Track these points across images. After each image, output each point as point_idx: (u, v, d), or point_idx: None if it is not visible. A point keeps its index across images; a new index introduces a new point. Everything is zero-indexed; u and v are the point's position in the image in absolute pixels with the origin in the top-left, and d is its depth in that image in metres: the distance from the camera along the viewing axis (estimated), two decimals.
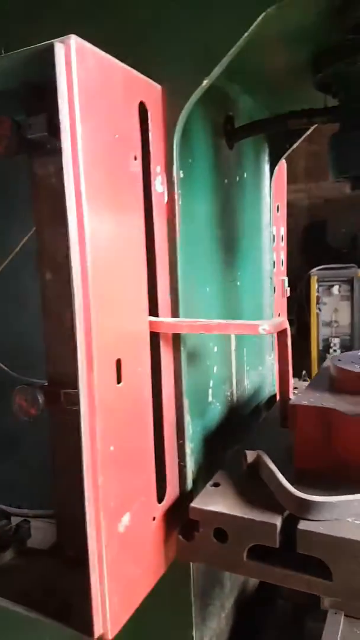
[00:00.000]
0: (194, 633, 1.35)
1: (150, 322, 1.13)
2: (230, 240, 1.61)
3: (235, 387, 1.66)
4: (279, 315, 2.20)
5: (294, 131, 1.81)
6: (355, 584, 1.00)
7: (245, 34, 1.05)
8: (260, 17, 1.04)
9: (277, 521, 1.06)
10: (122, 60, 1.04)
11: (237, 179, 1.65)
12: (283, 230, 2.25)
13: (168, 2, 1.11)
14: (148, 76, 1.12)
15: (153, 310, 1.16)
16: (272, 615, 1.66)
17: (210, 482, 1.24)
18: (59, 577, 1.15)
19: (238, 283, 1.68)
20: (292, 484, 1.11)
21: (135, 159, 1.05)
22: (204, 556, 1.16)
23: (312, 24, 1.15)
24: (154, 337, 1.16)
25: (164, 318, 1.17)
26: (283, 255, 2.26)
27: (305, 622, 1.55)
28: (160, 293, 1.17)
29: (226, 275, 1.59)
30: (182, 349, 1.23)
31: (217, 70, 1.10)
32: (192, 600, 1.33)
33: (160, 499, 1.19)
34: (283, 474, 1.15)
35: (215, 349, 1.50)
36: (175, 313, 1.22)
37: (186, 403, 1.26)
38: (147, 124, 1.10)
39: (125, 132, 1.01)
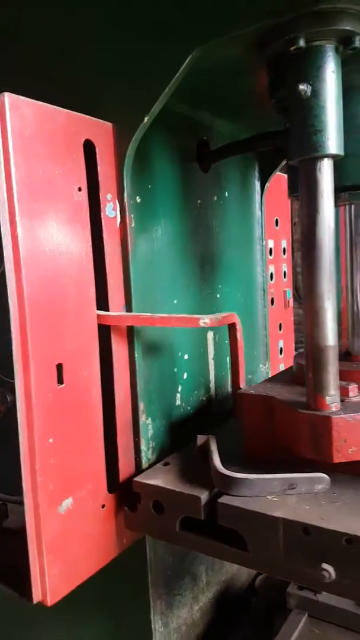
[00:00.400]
0: (152, 617, 1.46)
1: (99, 316, 1.26)
2: (207, 255, 1.73)
3: (214, 392, 1.77)
4: (279, 326, 2.27)
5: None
6: (266, 554, 1.08)
7: (177, 74, 1.19)
8: (187, 59, 1.17)
9: (203, 495, 1.17)
10: (76, 105, 1.21)
11: (215, 198, 1.76)
12: (285, 243, 2.33)
13: (109, 53, 1.27)
14: (100, 116, 1.28)
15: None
16: (248, 612, 1.74)
17: (162, 462, 1.38)
18: (21, 553, 1.32)
19: (218, 295, 1.79)
20: (239, 467, 1.20)
21: (80, 190, 1.21)
22: (144, 526, 1.29)
23: (242, 58, 1.25)
24: (107, 343, 1.31)
25: (112, 312, 1.30)
26: (286, 267, 2.34)
27: (274, 619, 1.62)
28: (113, 306, 1.32)
29: (203, 288, 1.71)
30: (137, 356, 1.37)
31: (156, 107, 1.24)
32: (150, 585, 1.45)
33: (112, 489, 1.34)
34: (234, 459, 1.25)
35: (186, 357, 1.62)
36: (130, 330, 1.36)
37: (142, 405, 1.40)
38: (95, 159, 1.26)
39: (67, 168, 1.18)
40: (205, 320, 1.29)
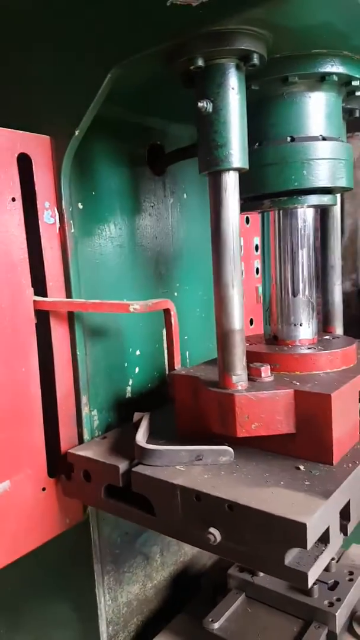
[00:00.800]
0: (96, 590, 1.59)
1: (35, 302, 1.37)
2: (164, 256, 1.82)
3: None
4: (250, 321, 2.34)
5: None
6: (168, 518, 1.19)
7: (100, 91, 1.28)
8: (106, 79, 1.26)
9: (122, 465, 1.28)
10: (17, 120, 1.33)
11: (172, 200, 1.85)
12: (257, 240, 2.38)
13: (42, 71, 1.37)
14: (39, 131, 1.38)
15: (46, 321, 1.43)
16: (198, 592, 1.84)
17: (101, 436, 1.51)
18: None
19: (175, 294, 1.88)
20: (167, 442, 1.31)
21: (14, 200, 1.33)
22: (77, 493, 1.41)
23: (164, 73, 1.32)
24: (47, 336, 1.43)
25: (48, 298, 1.41)
26: (258, 264, 2.39)
27: (216, 599, 1.71)
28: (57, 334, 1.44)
29: (158, 287, 1.81)
30: (79, 349, 1.48)
31: (85, 121, 1.34)
32: (94, 561, 1.57)
33: (54, 474, 1.46)
34: (167, 435, 1.35)
35: (138, 352, 1.72)
36: (71, 324, 1.48)
37: (84, 398, 1.51)
38: (32, 170, 1.37)
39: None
40: (135, 305, 1.39)
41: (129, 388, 1.71)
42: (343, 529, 1.13)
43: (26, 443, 1.39)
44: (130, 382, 1.71)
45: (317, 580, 1.61)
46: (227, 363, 1.24)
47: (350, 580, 1.62)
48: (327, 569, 1.67)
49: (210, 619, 1.55)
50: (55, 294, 1.44)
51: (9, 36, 1.42)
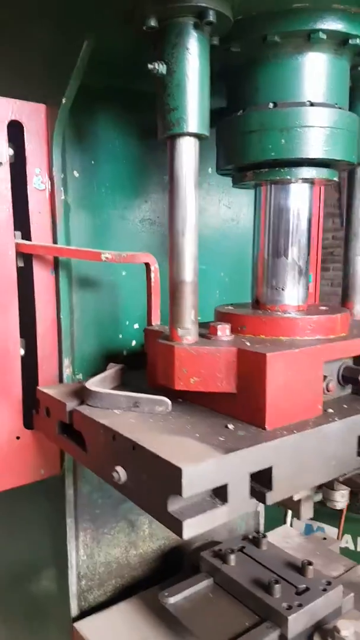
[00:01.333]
0: (67, 542, 1.66)
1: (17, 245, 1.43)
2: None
3: None
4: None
5: None
6: (95, 456, 1.22)
7: (79, 60, 1.29)
8: (83, 47, 1.26)
9: (70, 403, 1.31)
10: (17, 89, 1.40)
11: None
12: None
13: (33, 42, 1.42)
14: (34, 99, 1.44)
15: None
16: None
17: (77, 381, 1.56)
18: None
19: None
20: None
21: (0, 164, 1.40)
22: (42, 428, 1.48)
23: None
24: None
25: (26, 241, 1.46)
26: None
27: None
28: (39, 271, 1.50)
29: (165, 262, 1.78)
30: (64, 304, 1.53)
31: (71, 90, 1.36)
32: (67, 515, 1.65)
33: (31, 426, 1.55)
34: (140, 388, 1.36)
35: (136, 326, 1.73)
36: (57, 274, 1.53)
37: (67, 361, 1.57)
38: (23, 137, 1.43)
39: None
40: (107, 255, 1.42)
41: (123, 348, 1.72)
42: (258, 495, 1.05)
43: (2, 393, 1.49)
44: (125, 353, 1.73)
45: (286, 581, 1.53)
46: (175, 315, 1.21)
47: (324, 590, 1.50)
48: (302, 573, 1.56)
49: (166, 594, 1.54)
50: (43, 260, 1.50)
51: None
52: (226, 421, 1.16)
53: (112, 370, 1.45)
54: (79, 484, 1.67)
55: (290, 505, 1.42)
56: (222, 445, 1.03)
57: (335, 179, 1.34)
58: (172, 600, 1.53)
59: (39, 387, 1.48)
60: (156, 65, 1.11)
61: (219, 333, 1.23)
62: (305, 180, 1.32)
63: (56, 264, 1.52)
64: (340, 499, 1.39)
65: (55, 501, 1.68)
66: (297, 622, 1.41)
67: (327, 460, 1.14)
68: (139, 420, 1.19)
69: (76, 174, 1.54)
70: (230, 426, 1.13)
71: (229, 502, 0.99)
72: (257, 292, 1.43)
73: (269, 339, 1.25)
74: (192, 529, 0.96)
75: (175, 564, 1.93)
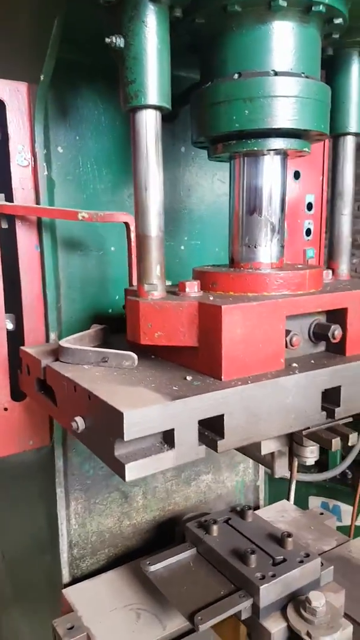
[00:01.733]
0: (57, 512, 1.73)
1: None
2: (171, 208, 1.80)
3: None
4: None
5: None
6: (63, 408, 1.26)
7: (52, 38, 1.32)
8: (55, 23, 1.29)
9: (44, 360, 1.35)
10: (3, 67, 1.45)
11: (183, 149, 1.81)
12: (312, 198, 2.20)
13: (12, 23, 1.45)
14: (19, 78, 1.48)
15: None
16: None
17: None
18: None
19: (182, 247, 1.87)
20: None
21: None
22: (25, 386, 1.52)
23: None
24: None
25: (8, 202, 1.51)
26: (311, 224, 2.22)
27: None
28: (24, 245, 1.56)
29: None
30: (47, 265, 1.57)
31: (48, 67, 1.40)
32: (57, 484, 1.71)
33: (19, 398, 1.62)
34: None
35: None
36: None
37: (53, 335, 1.62)
38: (5, 115, 1.48)
39: None
40: (83, 214, 1.46)
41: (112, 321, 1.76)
42: (209, 443, 1.07)
43: None
44: (115, 316, 1.75)
45: (264, 552, 1.55)
46: (141, 271, 1.24)
47: (301, 562, 1.51)
48: (281, 545, 1.57)
49: (147, 562, 1.58)
50: (25, 229, 1.55)
51: None
52: (188, 374, 1.18)
53: (91, 330, 1.48)
54: (69, 454, 1.73)
55: (265, 462, 1.44)
56: (173, 393, 1.05)
57: (306, 149, 1.33)
58: (152, 568, 1.57)
59: (22, 347, 1.52)
60: (114, 38, 1.13)
61: (187, 289, 1.25)
62: (276, 152, 1.31)
63: (40, 239, 1.57)
64: (310, 455, 1.39)
65: (47, 471, 1.75)
66: (270, 592, 1.43)
67: (285, 413, 1.15)
68: (104, 373, 1.22)
69: (60, 149, 1.58)
70: (189, 378, 1.15)
71: (175, 448, 1.02)
72: (232, 251, 1.43)
73: (237, 295, 1.26)
74: (135, 471, 0.98)
75: (170, 534, 1.98)
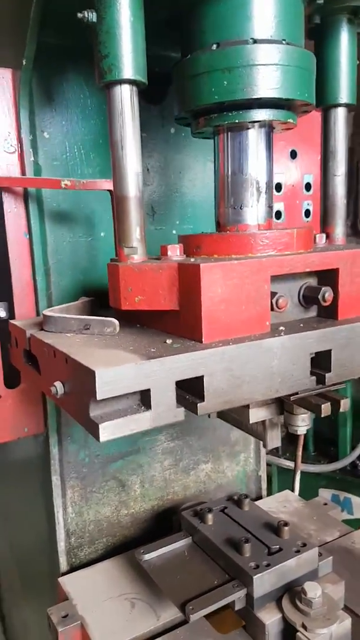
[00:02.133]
0: (54, 499, 1.72)
1: None
2: (160, 192, 1.77)
3: None
4: None
5: None
6: (45, 375, 1.25)
7: (30, 21, 1.30)
8: (32, 7, 1.27)
9: (29, 331, 1.33)
10: None
11: (173, 130, 1.77)
12: (310, 178, 2.14)
13: None
14: (2, 64, 1.47)
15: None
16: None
17: None
18: None
19: (173, 232, 1.83)
20: None
21: None
22: (15, 359, 1.50)
23: None
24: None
25: None
26: (310, 205, 2.16)
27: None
28: (13, 231, 1.54)
29: (153, 224, 1.78)
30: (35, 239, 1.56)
31: (29, 51, 1.38)
32: (52, 472, 1.70)
33: (14, 386, 1.61)
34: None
35: None
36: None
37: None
38: None
39: None
40: (66, 182, 1.46)
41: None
42: (189, 405, 1.04)
43: None
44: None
45: (259, 541, 1.51)
46: (121, 234, 1.20)
47: (297, 552, 1.46)
48: (278, 534, 1.53)
49: (142, 550, 1.56)
50: (14, 218, 1.54)
51: None
52: (170, 339, 1.14)
53: (78, 302, 1.46)
54: (64, 442, 1.71)
55: (257, 433, 1.39)
56: (150, 354, 1.02)
57: (291, 120, 1.28)
58: (146, 557, 1.55)
59: (11, 321, 1.51)
60: (86, 13, 1.10)
61: (169, 253, 1.21)
62: (260, 124, 1.27)
63: (29, 226, 1.56)
64: (302, 423, 1.33)
65: (44, 458, 1.74)
66: (264, 582, 1.39)
67: (270, 376, 1.09)
68: (85, 340, 1.19)
69: (46, 135, 1.56)
70: (169, 341, 1.11)
71: (152, 409, 0.98)
72: (217, 215, 1.38)
73: (221, 257, 1.21)
74: (109, 431, 0.95)
75: (169, 524, 1.95)
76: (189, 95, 1.24)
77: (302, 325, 1.21)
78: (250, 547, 1.45)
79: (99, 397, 0.93)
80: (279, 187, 2.07)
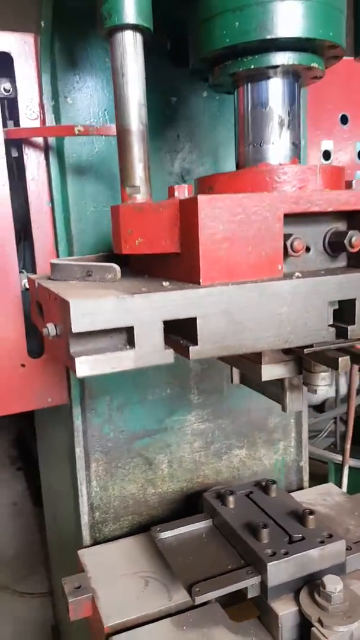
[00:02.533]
0: (77, 471, 1.70)
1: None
2: (185, 152, 1.69)
3: None
4: None
5: None
6: (48, 320, 1.15)
7: None
8: None
9: (39, 280, 1.28)
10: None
11: (205, 94, 1.69)
12: None
13: None
14: (25, 30, 1.46)
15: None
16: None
17: None
18: None
19: None
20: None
21: None
22: (34, 315, 1.43)
23: None
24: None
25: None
26: None
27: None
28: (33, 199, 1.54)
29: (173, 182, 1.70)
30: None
31: (47, 11, 1.35)
32: (76, 444, 1.68)
33: (37, 355, 1.61)
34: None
35: None
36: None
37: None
38: (13, 68, 1.46)
39: None
40: (79, 127, 1.44)
41: None
42: (181, 349, 0.95)
43: (4, 324, 1.56)
44: None
45: (281, 528, 1.41)
46: (123, 172, 1.13)
47: (321, 542, 1.34)
48: (303, 523, 1.41)
49: (158, 528, 1.51)
50: (37, 185, 1.53)
51: None
52: (168, 282, 1.05)
53: (92, 255, 1.42)
54: (87, 415, 1.69)
55: (275, 395, 1.28)
56: (135, 291, 0.93)
57: (316, 65, 1.15)
58: (162, 535, 1.50)
59: (28, 275, 1.48)
60: None
61: (176, 193, 1.11)
62: (282, 70, 1.15)
63: (51, 194, 1.54)
64: (321, 382, 1.18)
65: (69, 429, 1.73)
66: (280, 570, 1.29)
67: (278, 324, 0.97)
68: (84, 285, 1.13)
69: (69, 100, 1.53)
70: (165, 283, 1.02)
71: (136, 348, 0.90)
72: (237, 155, 1.27)
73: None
74: (87, 366, 0.88)
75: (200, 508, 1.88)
76: (201, 42, 1.16)
77: (323, 272, 1.07)
78: (268, 533, 1.36)
79: (74, 329, 0.86)
80: (327, 154, 1.93)
